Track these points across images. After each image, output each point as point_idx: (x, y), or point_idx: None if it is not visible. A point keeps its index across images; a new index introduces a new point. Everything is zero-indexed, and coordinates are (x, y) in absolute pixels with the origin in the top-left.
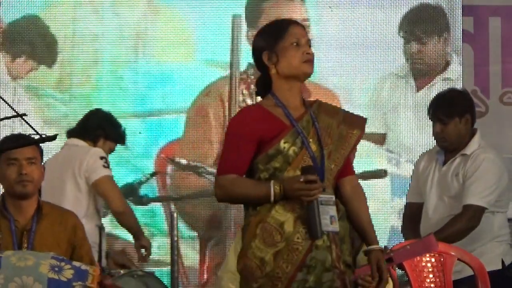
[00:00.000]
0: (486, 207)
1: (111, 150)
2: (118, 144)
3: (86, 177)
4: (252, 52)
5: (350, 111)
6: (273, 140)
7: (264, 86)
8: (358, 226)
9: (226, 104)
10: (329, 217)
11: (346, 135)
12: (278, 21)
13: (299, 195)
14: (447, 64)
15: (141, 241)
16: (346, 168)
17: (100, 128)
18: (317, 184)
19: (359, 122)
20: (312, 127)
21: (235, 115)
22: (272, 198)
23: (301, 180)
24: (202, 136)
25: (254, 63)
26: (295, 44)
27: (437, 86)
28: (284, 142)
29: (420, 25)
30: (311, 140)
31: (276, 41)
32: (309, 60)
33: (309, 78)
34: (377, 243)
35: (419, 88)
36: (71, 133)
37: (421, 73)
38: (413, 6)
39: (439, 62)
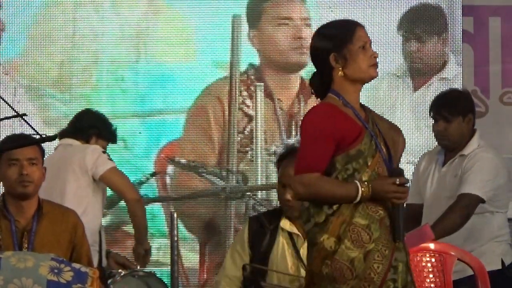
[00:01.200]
0: (481, 197)
1: (103, 149)
2: (110, 143)
3: (92, 172)
4: (314, 50)
5: None
6: (355, 140)
7: (321, 85)
8: None
9: (226, 104)
10: None
11: (396, 140)
12: (344, 22)
13: (391, 197)
14: (444, 64)
15: (144, 245)
16: None
17: (93, 127)
18: (407, 187)
19: (399, 130)
20: (377, 129)
21: (311, 113)
22: (358, 199)
23: (397, 182)
24: (202, 136)
25: (312, 61)
26: (362, 47)
27: (434, 86)
28: (365, 143)
29: (419, 25)
30: (380, 142)
31: (344, 44)
32: (375, 64)
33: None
34: None
35: (416, 88)
36: (63, 134)
37: (420, 73)
38: (413, 6)
39: (437, 62)
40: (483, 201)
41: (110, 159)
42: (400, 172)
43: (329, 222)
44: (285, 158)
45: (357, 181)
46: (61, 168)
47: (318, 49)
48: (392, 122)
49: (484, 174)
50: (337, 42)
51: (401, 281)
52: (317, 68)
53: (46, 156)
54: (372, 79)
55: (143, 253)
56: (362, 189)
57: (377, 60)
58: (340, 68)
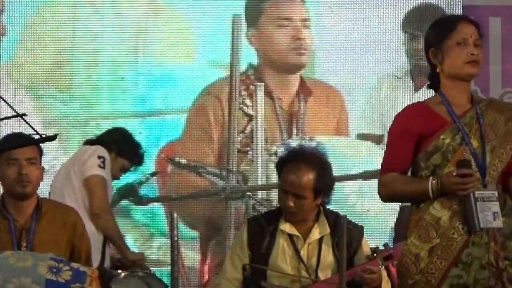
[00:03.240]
0: None
1: (124, 168)
2: (134, 165)
3: (81, 172)
4: (424, 46)
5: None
6: (432, 136)
7: (434, 81)
8: None
9: (226, 104)
10: (491, 214)
11: None
12: (449, 17)
13: (455, 189)
14: None
15: (128, 256)
16: None
17: (114, 142)
18: (472, 178)
19: None
20: (476, 123)
21: (397, 114)
22: (430, 194)
23: (454, 174)
24: (202, 136)
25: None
26: (461, 43)
27: None
28: (443, 138)
29: (421, 24)
30: (472, 136)
31: (443, 39)
32: (474, 61)
33: (311, 76)
34: None
35: (417, 88)
36: (86, 143)
37: (425, 71)
38: (414, 5)
39: None
40: None
41: (102, 167)
42: (464, 163)
43: (412, 221)
44: (286, 163)
45: (431, 177)
46: (67, 170)
47: (424, 43)
48: None
49: None
50: (437, 37)
51: (471, 278)
52: (428, 62)
53: (51, 155)
54: (471, 76)
55: (129, 264)
56: (432, 184)
57: (475, 59)
58: (439, 64)
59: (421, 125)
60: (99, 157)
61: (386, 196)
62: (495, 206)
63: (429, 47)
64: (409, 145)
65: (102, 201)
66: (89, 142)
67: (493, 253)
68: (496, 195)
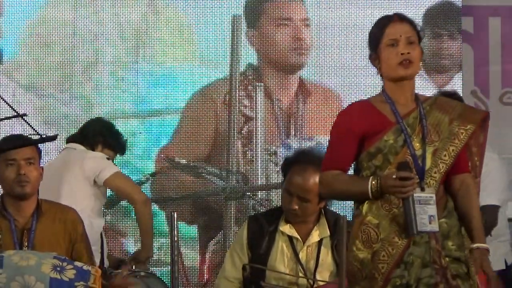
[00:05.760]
0: (500, 205)
1: (109, 159)
2: (117, 154)
3: (95, 176)
4: None
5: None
6: (375, 137)
7: None
8: (464, 223)
9: (226, 104)
10: (427, 217)
11: (457, 132)
12: (380, 20)
13: (393, 192)
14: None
15: (149, 252)
16: (459, 165)
17: (99, 135)
18: (410, 181)
19: (475, 116)
20: (419, 125)
21: (339, 113)
22: (369, 194)
23: (394, 176)
24: (202, 136)
25: None
26: (392, 44)
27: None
28: (386, 140)
29: (421, 24)
30: (415, 138)
31: (376, 43)
32: (406, 60)
33: (310, 77)
34: (484, 242)
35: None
36: (70, 139)
37: (423, 71)
38: (413, 5)
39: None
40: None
41: (114, 164)
42: (405, 166)
43: (354, 225)
44: (293, 165)
45: (371, 177)
46: (62, 171)
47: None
48: (479, 109)
49: (500, 181)
50: (372, 42)
51: (412, 276)
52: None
53: (50, 156)
54: (405, 78)
55: (144, 260)
56: (372, 184)
57: (407, 57)
58: (379, 68)
59: (365, 125)
60: (107, 158)
61: (325, 194)
62: (432, 210)
63: (371, 53)
64: (351, 144)
65: (139, 188)
66: (74, 138)
67: (436, 251)
68: (434, 198)
